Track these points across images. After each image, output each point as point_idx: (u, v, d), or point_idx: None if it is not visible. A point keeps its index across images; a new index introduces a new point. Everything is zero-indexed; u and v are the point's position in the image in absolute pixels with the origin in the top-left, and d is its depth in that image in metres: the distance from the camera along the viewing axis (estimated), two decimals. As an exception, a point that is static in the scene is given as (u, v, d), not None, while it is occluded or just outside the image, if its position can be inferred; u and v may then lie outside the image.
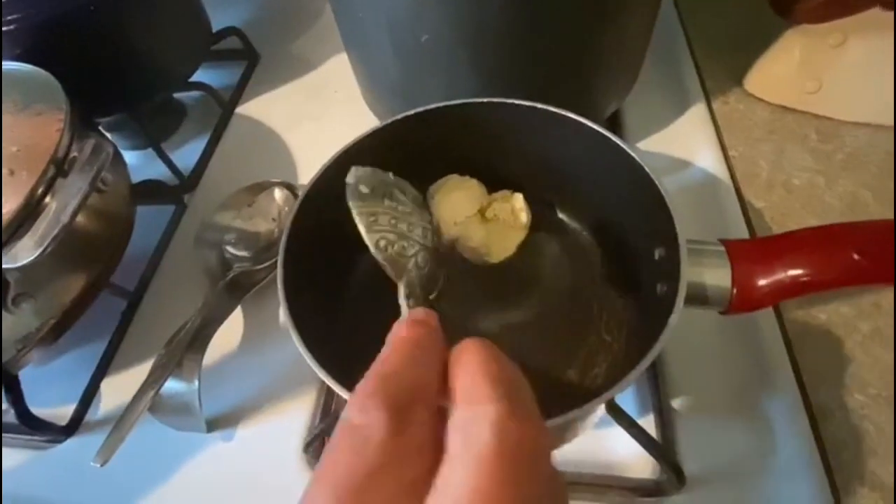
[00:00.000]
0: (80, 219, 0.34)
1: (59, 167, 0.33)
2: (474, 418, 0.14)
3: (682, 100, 0.49)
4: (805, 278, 0.24)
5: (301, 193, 0.31)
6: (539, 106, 0.30)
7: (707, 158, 0.44)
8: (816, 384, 0.33)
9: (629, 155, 0.28)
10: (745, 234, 0.39)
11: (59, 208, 0.32)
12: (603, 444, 0.32)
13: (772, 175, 0.43)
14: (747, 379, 0.33)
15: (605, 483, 0.31)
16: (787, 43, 0.46)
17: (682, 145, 0.45)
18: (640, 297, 0.30)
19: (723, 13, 0.55)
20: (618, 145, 0.29)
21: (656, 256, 0.27)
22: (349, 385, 0.23)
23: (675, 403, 0.33)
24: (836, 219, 0.40)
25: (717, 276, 0.25)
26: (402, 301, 0.26)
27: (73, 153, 0.34)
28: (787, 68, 0.46)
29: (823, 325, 0.35)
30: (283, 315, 0.26)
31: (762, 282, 0.24)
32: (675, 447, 0.31)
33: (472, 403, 0.15)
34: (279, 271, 0.27)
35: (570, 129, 0.31)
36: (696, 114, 0.47)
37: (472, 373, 0.15)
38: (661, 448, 0.29)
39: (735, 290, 0.24)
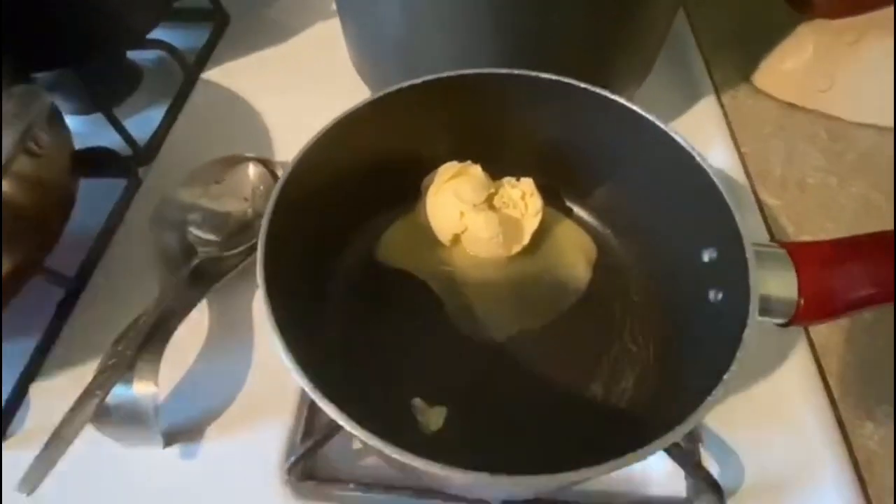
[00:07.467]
0: (4, 186, 0.28)
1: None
2: None
3: (691, 93, 0.46)
4: (873, 290, 0.21)
5: (287, 168, 0.26)
6: (572, 82, 0.26)
7: (720, 154, 0.42)
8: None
9: (677, 143, 0.25)
10: (763, 233, 0.37)
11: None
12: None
13: (785, 173, 0.41)
14: (780, 386, 0.31)
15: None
16: (799, 38, 0.44)
17: (693, 140, 0.43)
18: (676, 301, 0.27)
19: (728, 4, 0.52)
20: (661, 130, 0.26)
21: (705, 258, 0.24)
22: (332, 395, 0.19)
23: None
24: (851, 221, 0.39)
25: (780, 282, 0.22)
26: None
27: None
28: (799, 64, 0.45)
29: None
30: (262, 310, 0.21)
31: (831, 291, 0.21)
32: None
33: None
34: (259, 259, 0.22)
35: (602, 109, 0.27)
36: (707, 108, 0.45)
37: None
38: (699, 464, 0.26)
39: (802, 299, 0.21)
